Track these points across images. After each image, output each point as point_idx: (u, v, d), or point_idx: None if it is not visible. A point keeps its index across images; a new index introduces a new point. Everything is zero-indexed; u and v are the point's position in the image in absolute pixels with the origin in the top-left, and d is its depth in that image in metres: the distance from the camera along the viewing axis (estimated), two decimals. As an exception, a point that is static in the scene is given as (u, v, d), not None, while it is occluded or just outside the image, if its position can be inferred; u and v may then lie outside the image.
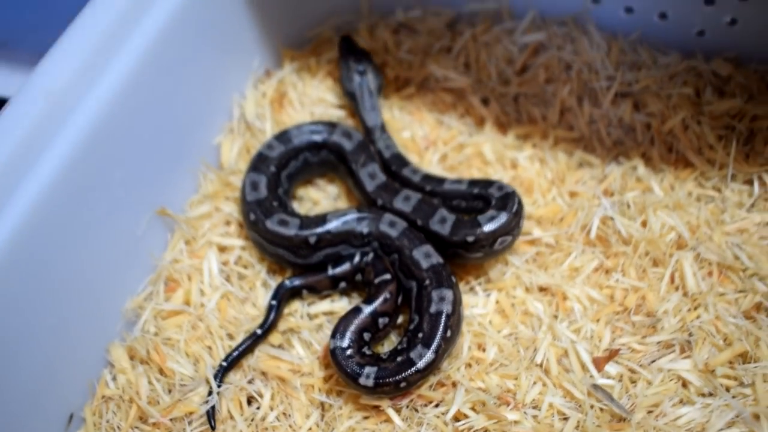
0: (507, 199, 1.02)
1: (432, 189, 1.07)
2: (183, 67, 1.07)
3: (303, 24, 1.27)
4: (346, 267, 1.03)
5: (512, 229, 1.01)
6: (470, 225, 1.01)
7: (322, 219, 1.03)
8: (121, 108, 0.94)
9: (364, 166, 1.08)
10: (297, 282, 1.03)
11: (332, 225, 1.02)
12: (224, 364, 0.97)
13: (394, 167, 1.11)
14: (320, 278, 1.03)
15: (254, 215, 1.04)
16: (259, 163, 1.09)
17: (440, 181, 1.08)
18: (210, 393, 0.95)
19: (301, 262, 1.04)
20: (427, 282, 0.97)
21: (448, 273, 0.98)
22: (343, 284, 1.04)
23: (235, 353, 0.98)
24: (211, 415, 0.94)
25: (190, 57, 1.07)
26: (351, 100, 1.19)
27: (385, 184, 1.07)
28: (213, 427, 0.93)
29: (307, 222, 1.03)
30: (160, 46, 1.00)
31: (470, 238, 1.00)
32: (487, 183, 1.06)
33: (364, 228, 1.03)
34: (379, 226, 1.02)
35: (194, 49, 1.08)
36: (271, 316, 1.01)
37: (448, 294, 0.96)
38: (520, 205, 1.02)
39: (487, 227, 1.00)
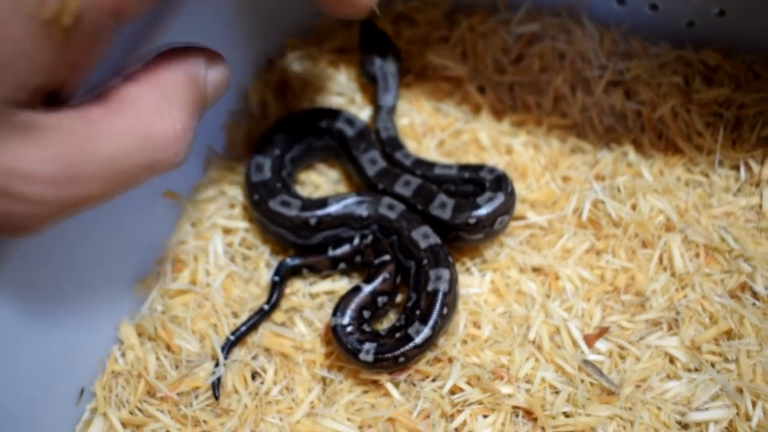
0: (501, 181, 1.06)
1: (423, 173, 1.11)
2: (189, 56, 1.09)
3: (304, 14, 1.30)
4: (345, 248, 1.06)
5: (509, 208, 1.05)
6: (470, 207, 1.04)
7: (323, 202, 1.07)
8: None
9: (365, 153, 1.12)
10: (298, 261, 1.07)
11: (333, 208, 1.06)
12: (232, 337, 1.01)
13: (388, 149, 1.14)
14: (320, 259, 1.07)
15: (258, 195, 1.07)
16: (264, 145, 1.13)
17: (431, 165, 1.11)
18: (217, 365, 0.99)
19: (301, 242, 1.07)
20: (425, 261, 1.01)
21: (445, 253, 1.01)
22: (342, 265, 1.07)
23: (243, 328, 1.02)
24: (216, 385, 0.98)
25: (195, 46, 1.10)
26: (371, 82, 1.22)
27: (385, 169, 1.10)
28: (217, 397, 0.97)
29: (309, 204, 1.06)
30: (165, 38, 1.03)
31: (472, 220, 1.03)
32: (477, 167, 1.09)
33: (363, 211, 1.06)
34: (378, 209, 1.06)
35: (199, 39, 1.10)
36: (275, 292, 1.04)
37: (445, 273, 0.99)
38: (512, 185, 1.06)
39: (487, 208, 1.03)
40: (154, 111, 0.64)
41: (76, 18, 0.53)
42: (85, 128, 0.59)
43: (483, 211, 1.03)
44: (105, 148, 0.60)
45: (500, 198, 1.04)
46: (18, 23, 0.51)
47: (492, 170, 1.08)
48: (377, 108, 1.19)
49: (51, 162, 0.57)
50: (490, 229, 1.04)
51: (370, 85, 1.23)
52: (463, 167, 1.10)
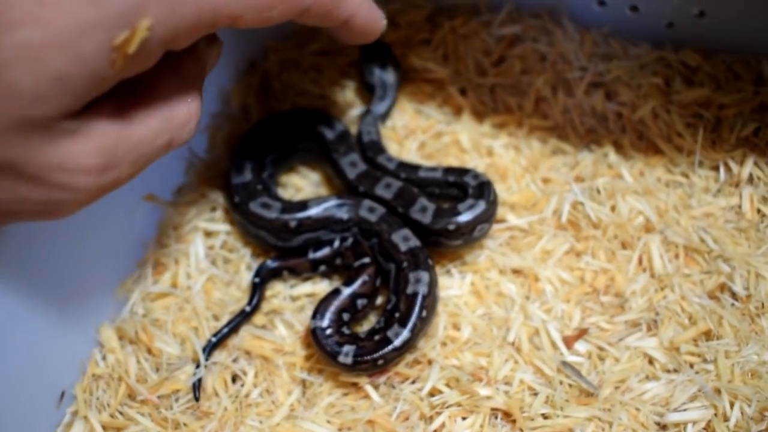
0: (483, 188, 1.06)
1: (407, 176, 1.11)
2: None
3: (287, 17, 1.30)
4: (326, 251, 1.06)
5: (490, 216, 1.05)
6: (450, 214, 1.04)
7: (303, 205, 1.07)
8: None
9: (344, 156, 1.12)
10: (278, 263, 1.07)
11: (313, 211, 1.06)
12: (213, 339, 1.01)
13: (370, 153, 1.14)
14: (301, 261, 1.07)
15: (238, 197, 1.08)
16: (245, 147, 1.13)
17: (415, 168, 1.11)
18: (198, 366, 0.99)
19: (281, 244, 1.07)
20: (405, 264, 1.01)
21: (425, 256, 1.02)
22: (323, 267, 1.07)
23: (225, 329, 1.02)
24: (196, 386, 0.98)
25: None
26: (369, 92, 1.22)
27: (366, 172, 1.10)
28: (197, 398, 0.97)
29: (289, 207, 1.06)
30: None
31: (451, 227, 1.03)
32: (462, 171, 1.09)
33: (344, 214, 1.06)
34: (359, 211, 1.06)
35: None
36: (256, 294, 1.05)
37: (425, 276, 1.00)
38: (495, 193, 1.06)
39: (467, 215, 1.03)
40: (174, 93, 0.69)
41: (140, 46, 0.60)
42: (119, 119, 0.65)
43: (463, 219, 1.03)
44: (135, 135, 0.66)
45: (481, 206, 1.04)
46: (89, 45, 0.57)
47: (476, 176, 1.08)
48: (367, 112, 1.19)
49: (91, 155, 0.63)
50: (469, 236, 1.04)
51: (369, 94, 1.23)
52: (448, 170, 1.10)
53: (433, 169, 1.11)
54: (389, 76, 1.20)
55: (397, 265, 1.02)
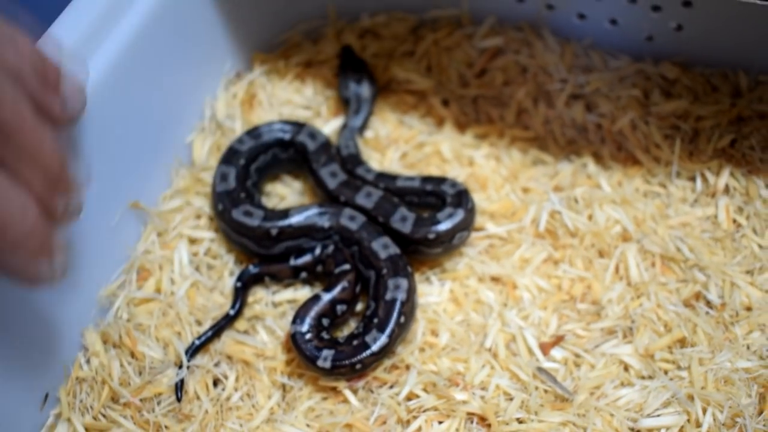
0: (461, 196, 1.08)
1: (386, 186, 1.13)
2: (157, 70, 1.11)
3: (273, 29, 1.32)
4: (307, 258, 1.08)
5: (468, 224, 1.07)
6: (430, 223, 1.06)
7: (285, 213, 1.08)
8: (98, 108, 0.97)
9: (325, 166, 1.14)
10: (260, 269, 1.08)
11: (294, 219, 1.08)
12: (197, 341, 1.03)
13: (349, 166, 1.16)
14: (282, 267, 1.08)
15: (222, 205, 1.09)
16: (229, 156, 1.15)
17: (393, 178, 1.13)
18: (180, 366, 1.01)
19: (263, 252, 1.09)
20: (385, 271, 1.02)
21: (404, 263, 1.03)
22: (304, 274, 1.09)
23: (210, 333, 1.04)
24: (179, 387, 0.99)
25: (164, 60, 1.12)
26: (345, 105, 1.25)
27: (346, 181, 1.12)
28: (179, 398, 0.99)
29: (271, 215, 1.08)
30: (134, 50, 1.05)
31: (431, 235, 1.05)
32: (440, 180, 1.11)
33: (325, 222, 1.08)
34: (340, 219, 1.08)
35: (168, 52, 1.12)
36: (239, 298, 1.06)
37: (404, 282, 1.01)
38: (473, 201, 1.09)
39: (447, 224, 1.05)
40: None
41: None
42: None
43: (442, 227, 1.05)
44: None
45: (460, 214, 1.06)
46: None
47: (454, 184, 1.10)
48: (344, 126, 1.21)
49: None
50: (449, 244, 1.06)
51: (345, 107, 1.25)
52: (425, 179, 1.12)
53: (410, 178, 1.13)
54: (364, 91, 1.23)
55: (376, 272, 1.03)
